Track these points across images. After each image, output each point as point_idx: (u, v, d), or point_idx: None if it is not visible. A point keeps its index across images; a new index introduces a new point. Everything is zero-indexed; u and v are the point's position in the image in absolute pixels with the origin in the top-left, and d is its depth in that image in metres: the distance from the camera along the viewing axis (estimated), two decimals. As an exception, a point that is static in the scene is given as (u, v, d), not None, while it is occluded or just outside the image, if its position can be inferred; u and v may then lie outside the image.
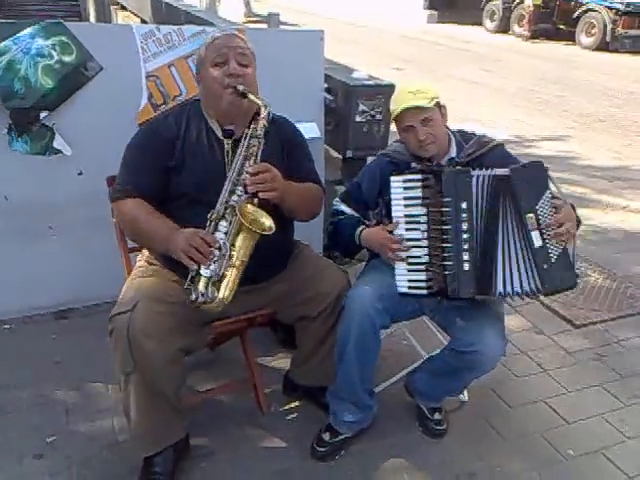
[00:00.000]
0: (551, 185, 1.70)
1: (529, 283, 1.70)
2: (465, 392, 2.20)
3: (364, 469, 1.94)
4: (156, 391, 1.72)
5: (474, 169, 1.73)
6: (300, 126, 2.21)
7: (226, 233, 1.62)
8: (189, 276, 1.61)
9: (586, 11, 13.15)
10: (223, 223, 1.63)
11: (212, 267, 1.58)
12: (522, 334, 2.67)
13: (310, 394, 2.15)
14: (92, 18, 8.67)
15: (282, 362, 2.36)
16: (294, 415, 2.14)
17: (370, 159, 2.77)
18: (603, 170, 5.26)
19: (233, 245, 1.62)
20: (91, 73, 2.41)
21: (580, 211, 1.72)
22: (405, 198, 1.78)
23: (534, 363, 2.49)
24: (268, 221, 1.65)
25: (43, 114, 2.38)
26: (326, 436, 1.98)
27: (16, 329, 2.54)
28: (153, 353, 1.63)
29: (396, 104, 1.84)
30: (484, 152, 1.91)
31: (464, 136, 1.97)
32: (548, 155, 5.61)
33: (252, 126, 1.70)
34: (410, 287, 1.78)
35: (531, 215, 1.66)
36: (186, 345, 1.73)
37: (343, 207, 2.00)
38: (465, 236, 1.70)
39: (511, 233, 1.70)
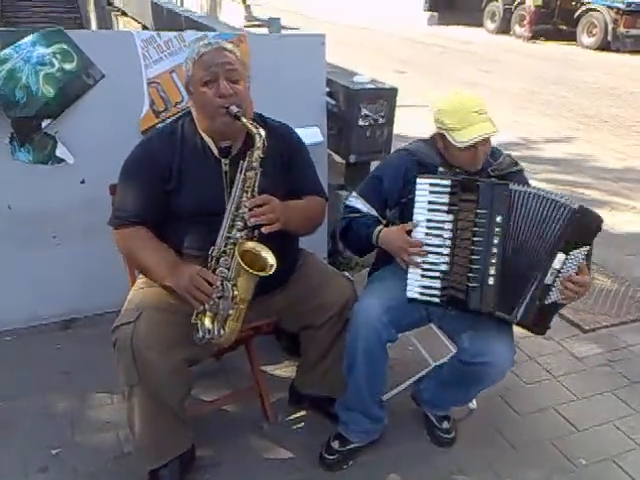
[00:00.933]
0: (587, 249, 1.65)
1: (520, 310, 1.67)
2: (474, 400, 2.17)
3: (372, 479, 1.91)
4: (160, 402, 1.70)
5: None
6: (303, 131, 2.19)
7: (228, 269, 1.61)
8: (195, 311, 1.60)
9: (587, 11, 13.15)
10: (225, 259, 1.62)
11: (216, 305, 1.58)
12: (530, 340, 2.62)
13: (317, 404, 2.12)
14: (93, 25, 8.68)
15: (288, 370, 2.34)
16: (301, 425, 2.12)
17: (374, 164, 2.75)
18: (608, 171, 5.23)
19: (235, 285, 1.60)
20: (92, 80, 2.40)
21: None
22: (430, 202, 1.73)
23: (543, 369, 2.46)
24: (270, 257, 1.64)
25: (45, 123, 2.36)
26: (335, 444, 1.96)
27: (20, 339, 2.51)
28: (157, 364, 1.61)
29: (461, 124, 1.75)
30: (512, 172, 1.89)
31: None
32: (553, 157, 5.59)
33: (247, 158, 1.66)
34: (422, 293, 1.75)
35: (563, 256, 1.61)
36: (191, 355, 1.71)
37: (360, 204, 1.94)
38: (495, 250, 1.66)
39: (542, 257, 1.64)
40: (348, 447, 1.95)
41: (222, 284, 1.59)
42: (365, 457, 1.98)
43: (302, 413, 2.16)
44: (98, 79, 2.40)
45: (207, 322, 1.59)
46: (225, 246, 1.63)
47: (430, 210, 1.73)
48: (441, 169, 1.86)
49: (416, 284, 1.75)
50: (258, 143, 1.65)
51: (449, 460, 1.99)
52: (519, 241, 1.67)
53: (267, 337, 2.32)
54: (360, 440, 1.96)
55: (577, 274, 1.63)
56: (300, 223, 1.81)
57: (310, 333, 1.94)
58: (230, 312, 1.60)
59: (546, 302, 1.65)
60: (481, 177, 1.80)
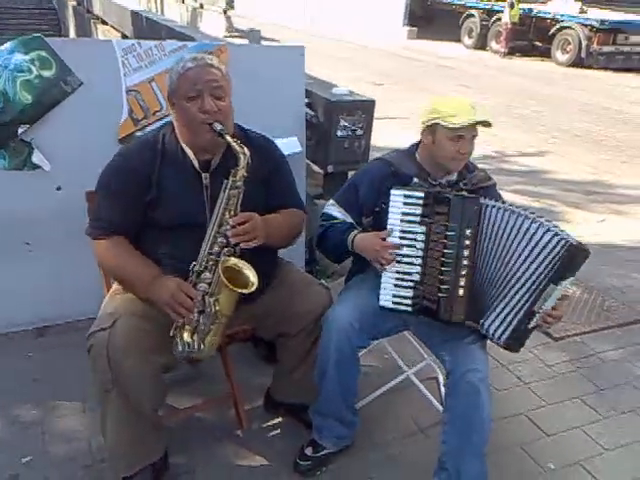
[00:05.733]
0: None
1: (501, 330, 1.68)
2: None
3: (345, 486, 1.93)
4: (135, 409, 1.70)
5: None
6: (281, 141, 2.22)
7: (209, 284, 1.62)
8: (173, 324, 1.61)
9: (561, 28, 13.47)
10: (206, 274, 1.63)
11: (197, 319, 1.59)
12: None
13: (292, 411, 2.13)
14: (72, 32, 8.63)
15: (264, 378, 2.34)
16: (275, 432, 2.13)
17: (351, 173, 2.79)
18: (579, 184, 5.36)
19: (217, 301, 1.61)
20: (70, 88, 2.39)
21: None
22: (403, 213, 1.76)
23: (514, 376, 2.51)
24: (252, 275, 1.65)
25: (21, 129, 2.35)
26: (309, 451, 1.97)
27: (-9, 347, 2.49)
28: (133, 370, 1.61)
29: (456, 111, 1.78)
30: (485, 186, 1.92)
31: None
32: (526, 170, 5.71)
33: (231, 177, 1.66)
34: (394, 302, 1.78)
35: (553, 286, 1.61)
36: (166, 362, 1.71)
37: (335, 212, 1.97)
38: (465, 262, 1.69)
39: (529, 283, 1.63)
40: (321, 453, 1.97)
41: (203, 299, 1.60)
42: (338, 463, 1.99)
43: (277, 420, 2.17)
44: (76, 87, 2.40)
45: (186, 336, 1.60)
46: (207, 262, 1.64)
47: (403, 221, 1.76)
48: (415, 180, 1.89)
49: (389, 293, 1.78)
50: (243, 162, 1.65)
51: (421, 466, 2.01)
52: (492, 254, 1.69)
53: (243, 344, 2.33)
54: (333, 446, 1.98)
55: (557, 305, 1.65)
56: (280, 237, 1.83)
57: (286, 341, 1.96)
58: (211, 327, 1.61)
59: (529, 326, 1.67)
60: (454, 190, 1.84)
